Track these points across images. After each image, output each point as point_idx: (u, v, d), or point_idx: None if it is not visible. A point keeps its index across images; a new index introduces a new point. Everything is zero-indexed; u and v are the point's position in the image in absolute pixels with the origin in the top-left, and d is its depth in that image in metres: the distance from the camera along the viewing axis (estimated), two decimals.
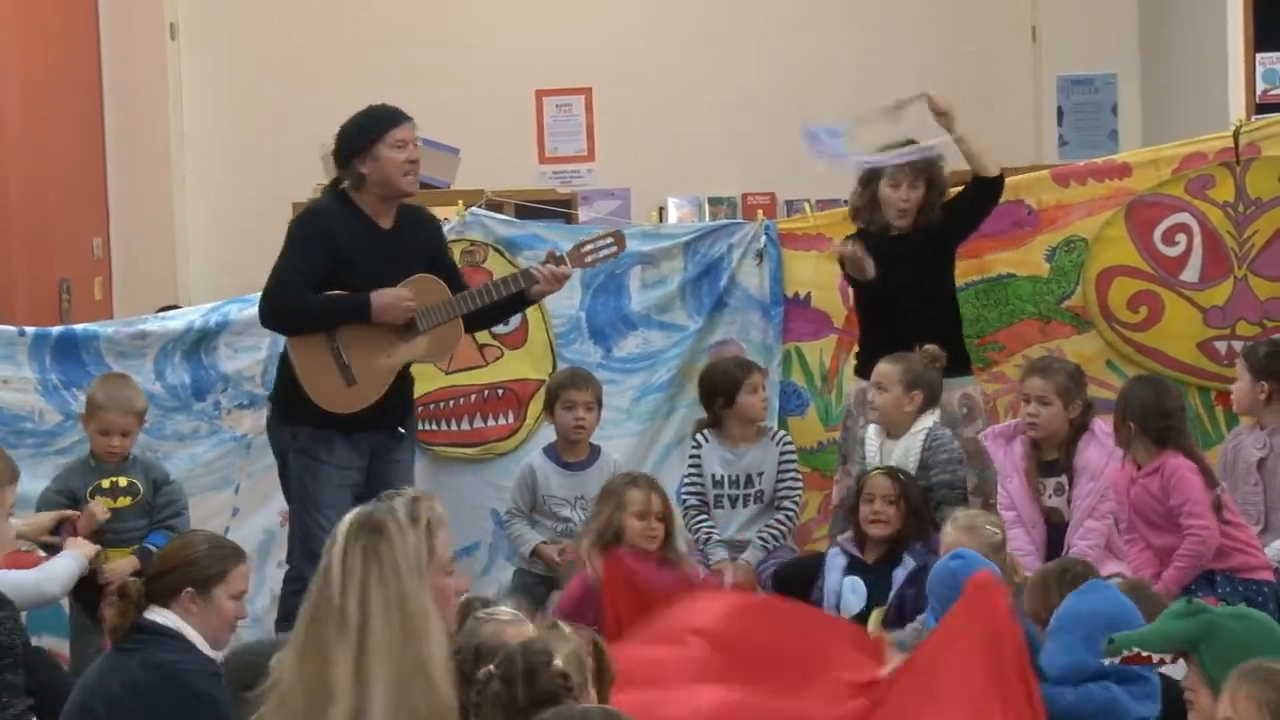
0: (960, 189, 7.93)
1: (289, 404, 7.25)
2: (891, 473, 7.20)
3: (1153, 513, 6.90)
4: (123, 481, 7.31)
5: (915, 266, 7.74)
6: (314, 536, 6.81)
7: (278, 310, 7.23)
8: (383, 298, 7.10)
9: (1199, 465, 6.90)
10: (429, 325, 7.17)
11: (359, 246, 7.17)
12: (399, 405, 7.35)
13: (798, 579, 7.47)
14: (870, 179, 7.85)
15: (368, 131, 7.20)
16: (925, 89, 7.77)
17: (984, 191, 7.85)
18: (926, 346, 7.52)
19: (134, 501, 7.31)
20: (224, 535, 7.73)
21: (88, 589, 7.00)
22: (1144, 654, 4.94)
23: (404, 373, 7.34)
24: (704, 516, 7.80)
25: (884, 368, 7.40)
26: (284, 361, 7.32)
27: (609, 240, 7.61)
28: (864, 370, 7.81)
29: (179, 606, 5.27)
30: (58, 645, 7.44)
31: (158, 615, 5.26)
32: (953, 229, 7.87)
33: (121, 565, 7.05)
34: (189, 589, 5.28)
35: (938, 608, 6.13)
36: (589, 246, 7.57)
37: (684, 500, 7.77)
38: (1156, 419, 6.92)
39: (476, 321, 7.55)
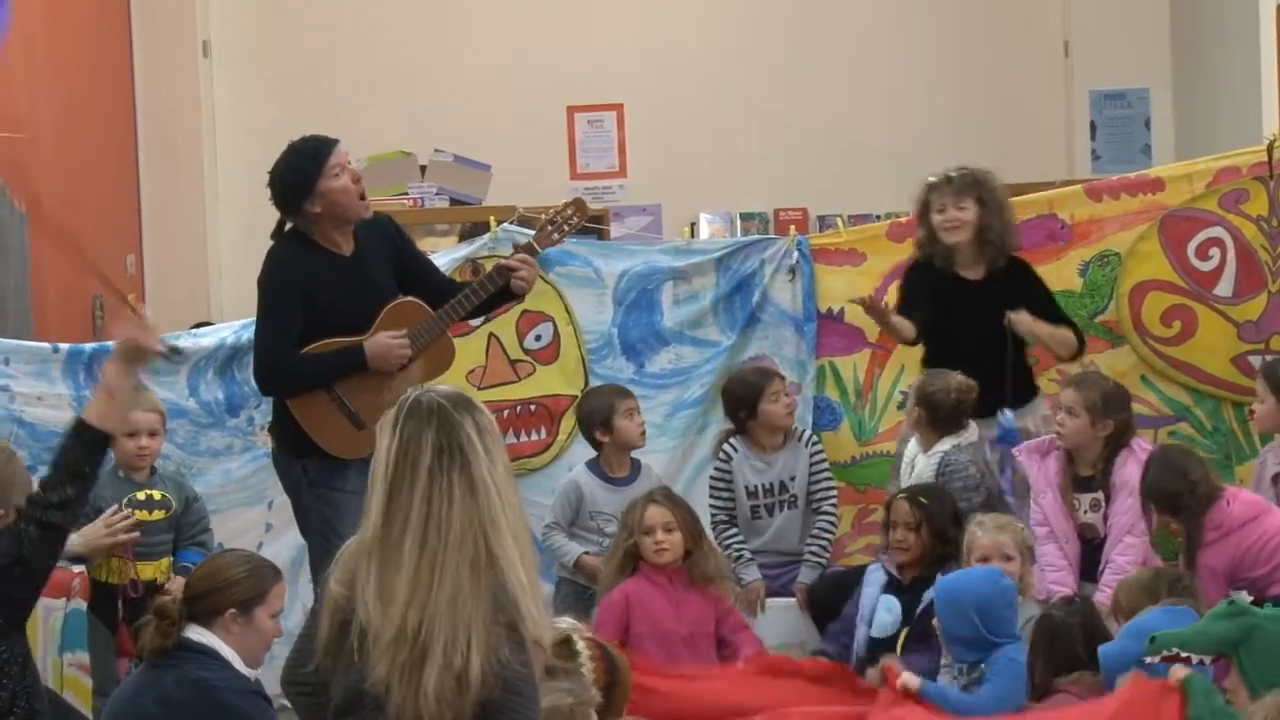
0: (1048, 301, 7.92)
1: (294, 438, 7.09)
2: (913, 498, 7.18)
3: None
4: (156, 495, 7.32)
5: (980, 314, 7.72)
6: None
7: (275, 382, 7.09)
8: (376, 347, 6.96)
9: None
10: (420, 347, 7.07)
11: (328, 285, 7.01)
12: None
13: (831, 593, 7.49)
14: (924, 211, 7.86)
15: (305, 172, 6.98)
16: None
17: (1066, 349, 7.89)
18: (957, 376, 7.52)
19: (166, 515, 7.31)
20: (257, 551, 7.81)
21: (106, 600, 7.01)
22: (1183, 654, 4.93)
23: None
24: (735, 531, 7.78)
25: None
26: (281, 400, 7.19)
27: (570, 211, 7.39)
28: None
29: (219, 627, 5.29)
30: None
31: (194, 633, 5.27)
32: (1022, 302, 7.80)
33: (177, 582, 7.02)
34: (231, 610, 5.30)
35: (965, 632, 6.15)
36: (552, 223, 7.38)
37: (714, 515, 7.76)
38: (1174, 501, 6.82)
39: (469, 315, 7.42)
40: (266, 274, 7.12)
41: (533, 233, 7.50)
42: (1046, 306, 7.87)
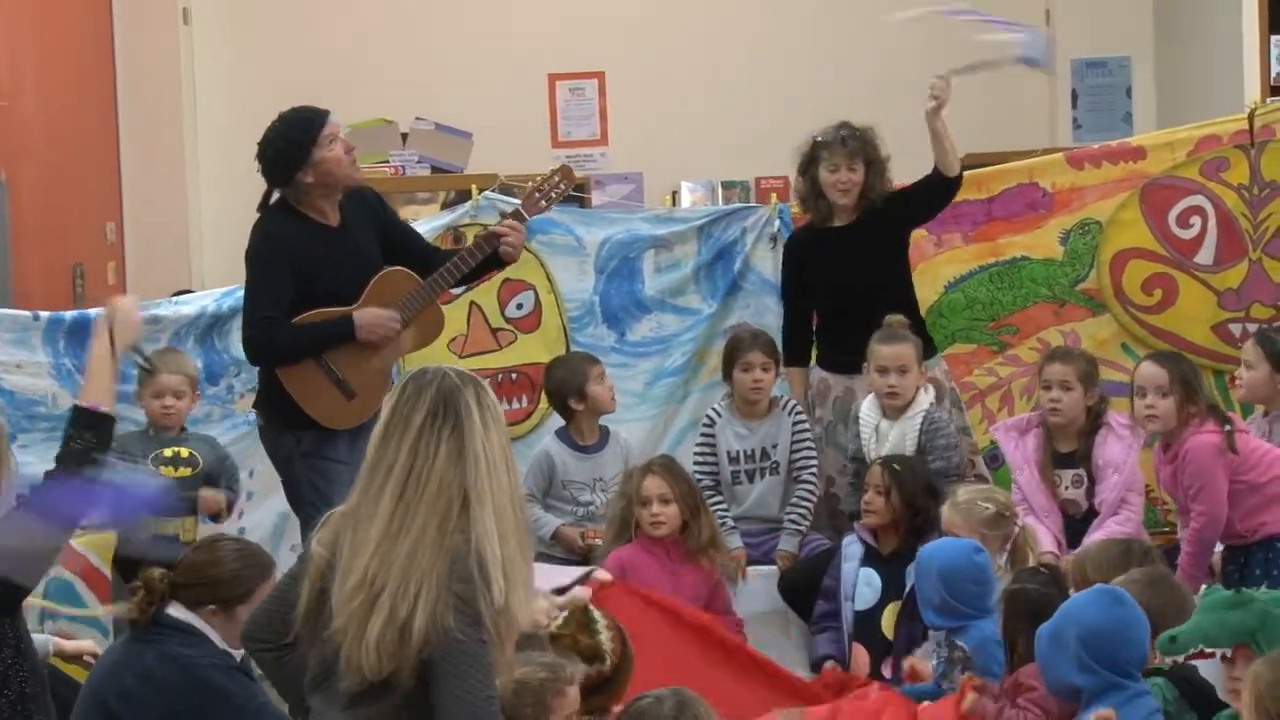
0: (914, 183, 8.02)
1: (283, 410, 7.12)
2: (886, 463, 7.18)
3: (1181, 498, 6.86)
4: (184, 452, 7.36)
5: (866, 255, 7.83)
6: None
7: (264, 352, 7.13)
8: (365, 318, 7.02)
9: (1223, 431, 6.79)
10: (409, 317, 7.10)
11: (317, 256, 7.05)
12: None
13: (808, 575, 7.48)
14: (808, 165, 7.91)
15: (299, 143, 7.02)
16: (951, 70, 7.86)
17: (942, 188, 7.93)
18: (891, 317, 7.56)
19: (193, 473, 7.34)
20: (238, 519, 7.83)
21: (129, 562, 7.02)
22: (1208, 650, 4.92)
23: (401, 366, 7.30)
24: (719, 498, 7.77)
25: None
26: (269, 372, 7.22)
27: (557, 178, 7.42)
28: (828, 362, 7.99)
29: (200, 615, 5.28)
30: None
31: (178, 611, 5.25)
32: (903, 219, 7.97)
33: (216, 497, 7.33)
34: (212, 606, 5.29)
35: (937, 599, 6.12)
36: (540, 191, 7.41)
37: (698, 480, 7.76)
38: (1194, 385, 6.88)
39: (456, 284, 7.46)
40: (255, 246, 7.15)
41: (518, 200, 7.50)
42: (917, 187, 7.98)
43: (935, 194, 7.94)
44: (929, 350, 7.86)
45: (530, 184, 7.50)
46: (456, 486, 4.28)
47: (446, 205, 9.56)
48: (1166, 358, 7.06)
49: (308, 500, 7.09)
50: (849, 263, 7.83)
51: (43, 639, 5.94)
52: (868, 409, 7.61)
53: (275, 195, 7.16)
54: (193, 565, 5.40)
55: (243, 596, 5.29)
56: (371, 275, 7.09)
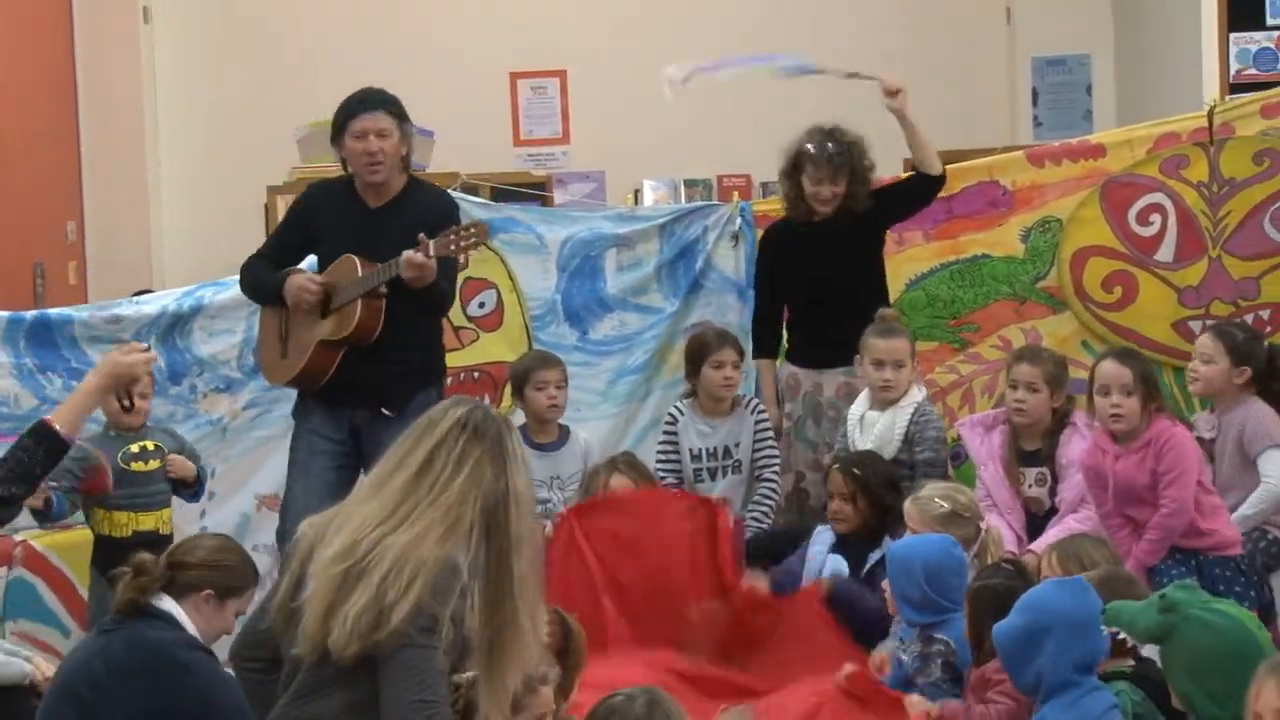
0: (896, 179, 8.07)
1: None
2: (846, 469, 7.16)
3: (1142, 488, 6.77)
4: (150, 445, 7.33)
5: (843, 251, 7.85)
6: (291, 495, 7.29)
7: (242, 280, 7.58)
8: (292, 280, 7.23)
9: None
10: (339, 304, 7.17)
11: (334, 224, 7.27)
12: (381, 387, 7.24)
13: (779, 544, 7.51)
14: (794, 170, 7.91)
15: (337, 120, 7.31)
16: (882, 72, 7.85)
17: (925, 187, 7.96)
18: (884, 310, 7.59)
19: (160, 465, 7.31)
20: (200, 519, 7.82)
21: (106, 553, 7.01)
22: (1121, 635, 4.96)
23: (387, 355, 7.21)
24: None
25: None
26: None
27: (470, 233, 7.25)
28: (798, 357, 8.00)
29: (189, 602, 5.28)
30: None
31: (160, 600, 5.25)
32: (884, 217, 7.99)
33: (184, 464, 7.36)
34: (209, 591, 5.30)
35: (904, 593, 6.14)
36: (450, 238, 7.17)
37: (660, 478, 7.76)
38: (1154, 381, 6.89)
39: (424, 308, 7.35)
40: (300, 194, 7.70)
41: (484, 200, 7.52)
42: (900, 187, 8.03)
43: (918, 193, 7.98)
44: None
45: (448, 232, 7.36)
46: (476, 508, 4.29)
47: None
48: (1127, 355, 7.06)
49: (289, 466, 7.44)
50: (826, 258, 7.83)
51: (19, 669, 5.95)
52: (861, 397, 7.62)
53: None
54: (200, 547, 5.45)
55: (238, 590, 5.37)
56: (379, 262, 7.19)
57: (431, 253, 7.03)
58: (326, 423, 7.31)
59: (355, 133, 7.20)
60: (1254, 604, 6.38)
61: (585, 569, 7.02)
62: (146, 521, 7.22)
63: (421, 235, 6.98)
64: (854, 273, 7.89)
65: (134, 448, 7.27)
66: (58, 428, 5.43)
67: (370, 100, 7.28)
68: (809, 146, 7.88)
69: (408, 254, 7.01)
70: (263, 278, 7.38)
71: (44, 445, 5.38)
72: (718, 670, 6.72)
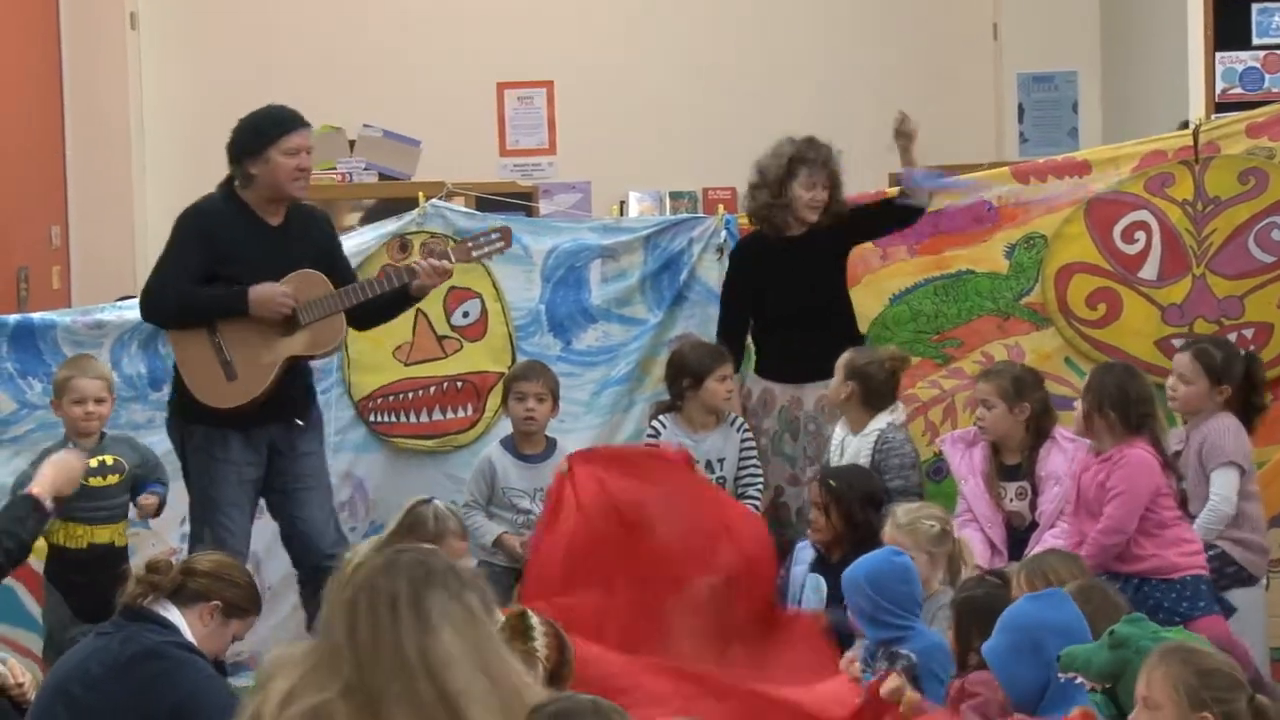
0: (871, 202, 8.14)
1: (183, 402, 7.21)
2: (823, 480, 7.19)
3: (1095, 502, 6.79)
4: (109, 460, 7.29)
5: (817, 266, 7.93)
6: (219, 537, 6.95)
7: (158, 305, 7.26)
8: (260, 292, 7.05)
9: (1161, 458, 6.84)
10: (310, 319, 7.11)
11: (242, 243, 7.14)
12: (295, 398, 7.28)
13: None
14: (787, 176, 7.93)
15: (262, 134, 7.15)
16: (898, 108, 8.00)
17: (906, 217, 8.05)
18: (888, 348, 7.63)
19: (120, 479, 7.29)
20: (179, 527, 7.79)
21: (61, 565, 6.98)
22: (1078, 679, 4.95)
23: (299, 365, 7.27)
24: None
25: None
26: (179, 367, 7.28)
27: (495, 236, 7.51)
28: (773, 372, 8.04)
29: (194, 613, 5.27)
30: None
31: (163, 608, 5.23)
32: (854, 236, 8.09)
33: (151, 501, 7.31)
34: (217, 603, 5.29)
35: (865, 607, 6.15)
36: (475, 242, 7.52)
37: None
38: (1135, 406, 6.87)
39: (366, 318, 7.45)
40: (185, 214, 7.30)
41: (468, 210, 7.53)
42: (868, 208, 8.10)
43: (896, 219, 8.06)
44: None
45: (468, 236, 7.42)
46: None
47: (367, 220, 9.51)
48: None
49: (195, 499, 7.24)
50: (801, 272, 7.89)
51: None
52: (841, 422, 7.67)
53: (231, 182, 7.23)
54: (215, 561, 5.45)
55: (243, 611, 5.37)
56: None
57: (454, 260, 7.20)
58: (246, 450, 7.17)
59: (288, 149, 7.10)
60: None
61: (610, 510, 6.90)
62: (102, 535, 7.21)
63: (452, 243, 7.04)
64: (827, 286, 7.97)
65: (93, 462, 7.18)
66: (40, 500, 5.86)
67: (299, 117, 7.24)
68: (804, 150, 7.91)
69: (434, 263, 7.19)
70: (198, 297, 7.12)
71: (30, 516, 5.75)
72: (709, 668, 6.68)
